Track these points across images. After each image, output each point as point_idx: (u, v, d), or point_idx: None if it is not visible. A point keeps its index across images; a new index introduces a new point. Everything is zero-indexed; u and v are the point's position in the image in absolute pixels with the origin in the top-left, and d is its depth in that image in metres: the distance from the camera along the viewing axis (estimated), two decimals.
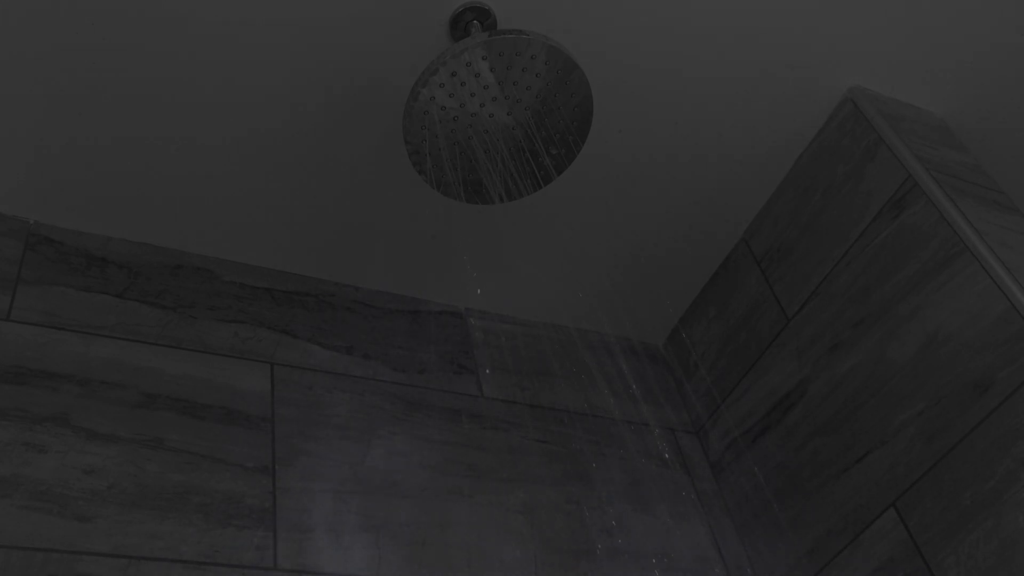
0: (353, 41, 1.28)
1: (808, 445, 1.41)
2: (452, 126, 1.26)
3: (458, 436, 1.44)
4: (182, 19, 1.22)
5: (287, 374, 1.40)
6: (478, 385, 1.53)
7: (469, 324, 1.62)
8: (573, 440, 1.52)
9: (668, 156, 1.49)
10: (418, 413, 1.44)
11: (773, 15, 1.35)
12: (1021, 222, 1.32)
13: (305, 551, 1.21)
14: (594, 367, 1.65)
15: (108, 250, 1.42)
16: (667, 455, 1.58)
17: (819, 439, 1.39)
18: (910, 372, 1.27)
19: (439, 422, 1.44)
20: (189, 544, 1.15)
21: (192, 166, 1.37)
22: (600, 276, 1.61)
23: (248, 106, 1.33)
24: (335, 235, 1.51)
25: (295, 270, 1.54)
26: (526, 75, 1.23)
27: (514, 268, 1.59)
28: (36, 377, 1.23)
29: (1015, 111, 1.52)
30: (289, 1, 1.23)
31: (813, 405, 1.41)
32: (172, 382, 1.31)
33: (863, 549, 1.29)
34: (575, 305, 1.64)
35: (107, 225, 1.42)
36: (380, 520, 1.29)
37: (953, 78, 1.48)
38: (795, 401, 1.45)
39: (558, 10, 1.28)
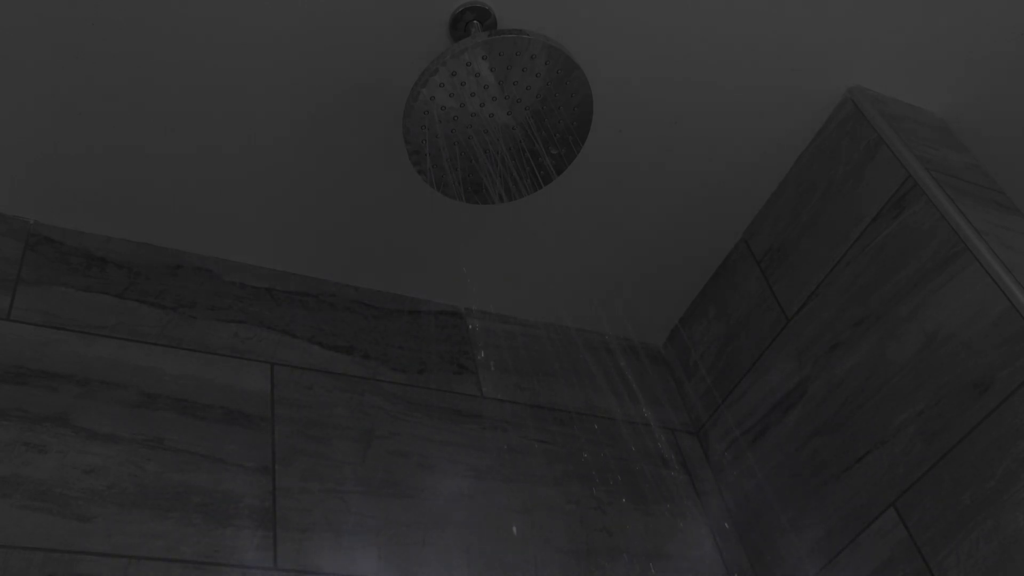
0: (353, 41, 1.28)
1: (808, 445, 1.41)
2: (452, 126, 1.26)
3: (458, 436, 1.44)
4: (182, 20, 1.22)
5: (287, 374, 1.40)
6: (478, 385, 1.53)
7: (469, 324, 1.62)
8: (573, 440, 1.52)
9: (668, 156, 1.49)
10: (418, 413, 1.44)
11: (773, 15, 1.34)
12: (1021, 222, 1.32)
13: (305, 551, 1.21)
14: (594, 367, 1.65)
15: (108, 250, 1.42)
16: (667, 455, 1.58)
17: (819, 439, 1.39)
18: (910, 372, 1.27)
19: (439, 422, 1.44)
20: (189, 544, 1.15)
21: (192, 166, 1.37)
22: (600, 276, 1.61)
23: (248, 106, 1.32)
24: (335, 235, 1.51)
25: (295, 270, 1.54)
26: (526, 75, 1.23)
27: (514, 268, 1.59)
28: (36, 377, 1.23)
29: (1015, 111, 1.52)
30: (289, 2, 1.23)
31: (813, 405, 1.41)
32: (172, 382, 1.31)
33: (863, 549, 1.29)
34: (575, 305, 1.64)
35: (107, 225, 1.42)
36: (380, 520, 1.29)
37: (953, 78, 1.48)
38: (795, 401, 1.44)
39: (558, 10, 1.28)
